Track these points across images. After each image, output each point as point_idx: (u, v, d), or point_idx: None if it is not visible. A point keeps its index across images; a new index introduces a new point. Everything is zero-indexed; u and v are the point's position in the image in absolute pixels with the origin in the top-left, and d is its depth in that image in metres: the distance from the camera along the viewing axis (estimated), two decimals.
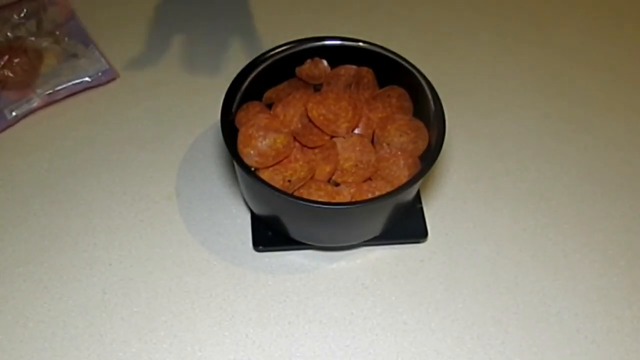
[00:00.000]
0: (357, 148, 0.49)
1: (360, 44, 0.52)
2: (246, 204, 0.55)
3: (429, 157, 0.46)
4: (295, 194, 0.46)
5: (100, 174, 0.57)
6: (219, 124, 0.47)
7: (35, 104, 0.60)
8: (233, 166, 0.56)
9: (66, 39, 0.64)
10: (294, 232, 0.50)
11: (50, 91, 0.61)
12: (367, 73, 0.53)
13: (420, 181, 0.46)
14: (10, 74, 0.59)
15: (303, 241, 0.51)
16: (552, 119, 0.63)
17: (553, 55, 0.68)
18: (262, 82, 0.52)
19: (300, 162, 0.48)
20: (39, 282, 0.51)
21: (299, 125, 0.50)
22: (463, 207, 0.56)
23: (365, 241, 0.52)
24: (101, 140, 0.59)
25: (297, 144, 0.49)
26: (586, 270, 0.53)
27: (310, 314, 0.50)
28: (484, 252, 0.54)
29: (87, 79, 0.62)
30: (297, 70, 0.53)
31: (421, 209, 0.54)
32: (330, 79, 0.53)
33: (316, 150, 0.49)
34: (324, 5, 0.71)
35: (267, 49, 0.51)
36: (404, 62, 0.50)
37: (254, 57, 0.50)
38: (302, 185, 0.47)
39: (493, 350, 0.49)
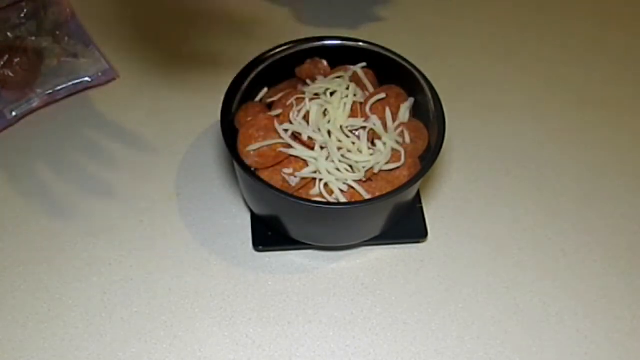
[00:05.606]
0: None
1: (360, 44, 0.52)
2: (246, 204, 0.55)
3: (429, 157, 0.46)
4: (295, 194, 0.46)
5: (100, 173, 0.57)
6: (219, 124, 0.47)
7: (35, 103, 0.60)
8: (233, 166, 0.56)
9: (66, 39, 0.64)
10: (294, 232, 0.50)
11: (50, 91, 0.61)
12: (367, 73, 0.53)
13: (420, 181, 0.46)
14: (10, 74, 0.59)
15: (303, 241, 0.51)
16: (552, 119, 0.63)
17: (553, 55, 0.68)
18: (262, 82, 0.51)
19: (300, 162, 0.48)
20: (39, 282, 0.51)
21: None
22: (463, 207, 0.56)
23: (365, 241, 0.52)
24: (101, 140, 0.59)
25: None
26: (586, 270, 0.53)
27: (310, 314, 0.50)
28: (484, 252, 0.54)
29: (87, 79, 0.62)
30: (297, 70, 0.53)
31: (421, 209, 0.54)
32: None
33: None
34: (324, 5, 0.71)
35: (267, 49, 0.51)
36: (404, 62, 0.50)
37: (254, 57, 0.50)
38: (302, 186, 0.47)
39: (493, 350, 0.49)
